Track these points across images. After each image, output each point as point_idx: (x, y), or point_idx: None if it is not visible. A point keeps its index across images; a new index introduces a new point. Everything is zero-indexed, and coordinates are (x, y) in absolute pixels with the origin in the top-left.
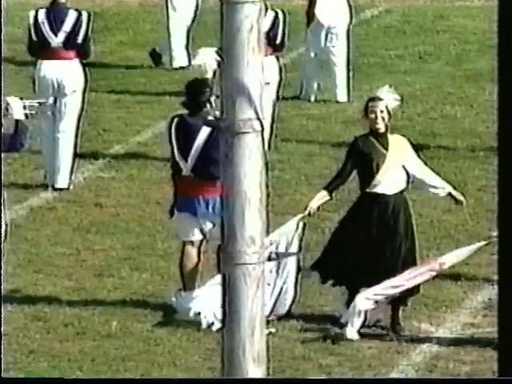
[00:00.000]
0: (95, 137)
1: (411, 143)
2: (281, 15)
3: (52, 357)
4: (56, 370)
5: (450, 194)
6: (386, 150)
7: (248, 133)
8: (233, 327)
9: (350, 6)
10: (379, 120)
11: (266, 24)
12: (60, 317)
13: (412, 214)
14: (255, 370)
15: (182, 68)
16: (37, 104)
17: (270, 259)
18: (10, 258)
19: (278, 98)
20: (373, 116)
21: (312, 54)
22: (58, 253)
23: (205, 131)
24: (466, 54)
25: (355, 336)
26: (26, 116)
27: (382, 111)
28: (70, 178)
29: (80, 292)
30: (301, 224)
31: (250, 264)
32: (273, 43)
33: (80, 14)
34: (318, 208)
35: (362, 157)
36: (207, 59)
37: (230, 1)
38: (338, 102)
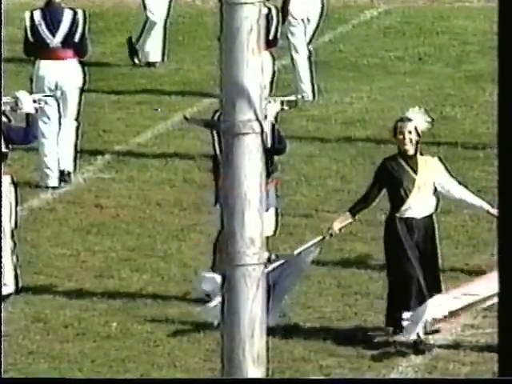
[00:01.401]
0: (95, 137)
1: (442, 163)
2: (274, 11)
3: (52, 358)
4: (56, 371)
5: (487, 211)
6: (416, 172)
7: (248, 134)
8: (233, 328)
9: (322, 2)
10: (407, 141)
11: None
12: (60, 318)
13: (437, 238)
14: (255, 371)
15: (153, 64)
16: (45, 98)
17: (269, 260)
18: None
19: (270, 94)
20: (401, 137)
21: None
22: (58, 254)
23: None
24: (466, 55)
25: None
26: (36, 110)
27: (410, 132)
28: (73, 176)
29: (80, 293)
30: (319, 246)
31: (250, 265)
32: (266, 39)
33: (75, 13)
34: (340, 230)
35: (391, 180)
36: None
37: (230, 2)
38: (303, 99)
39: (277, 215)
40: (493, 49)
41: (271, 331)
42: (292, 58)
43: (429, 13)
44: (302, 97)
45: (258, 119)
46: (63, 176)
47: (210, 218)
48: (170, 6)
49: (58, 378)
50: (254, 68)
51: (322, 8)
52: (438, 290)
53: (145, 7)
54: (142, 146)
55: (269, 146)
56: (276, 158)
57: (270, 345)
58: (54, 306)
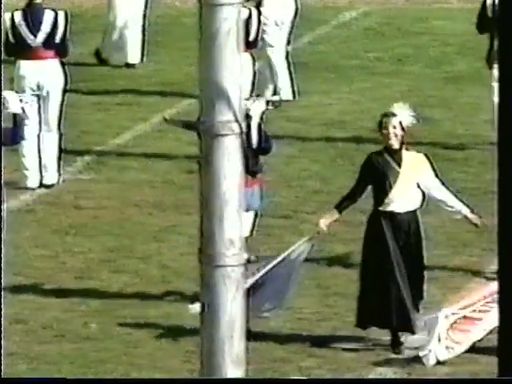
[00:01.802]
0: (74, 139)
1: (429, 160)
2: (254, 12)
3: (31, 359)
4: (35, 372)
5: (466, 216)
6: (400, 167)
7: (227, 135)
8: (212, 329)
9: (296, 4)
10: (392, 136)
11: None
12: (39, 319)
13: (422, 233)
14: (234, 372)
15: (132, 65)
16: (31, 97)
17: (249, 261)
18: None
19: (251, 94)
20: (386, 132)
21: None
22: (38, 255)
23: None
24: (446, 56)
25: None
26: (23, 110)
27: (394, 127)
28: (59, 175)
29: (59, 294)
30: (309, 244)
31: (230, 266)
32: (246, 40)
33: (57, 14)
34: (328, 226)
35: (376, 174)
36: None
37: (209, 3)
38: (284, 100)
39: (256, 216)
40: (472, 49)
41: (251, 332)
42: (269, 59)
43: (408, 14)
44: (281, 98)
45: (237, 120)
46: (46, 185)
47: (189, 219)
48: (146, 7)
49: (58, 378)
50: (233, 69)
51: (297, 9)
52: (421, 285)
53: (110, 9)
54: (122, 147)
55: (255, 145)
56: (261, 158)
57: (249, 346)
58: (34, 307)
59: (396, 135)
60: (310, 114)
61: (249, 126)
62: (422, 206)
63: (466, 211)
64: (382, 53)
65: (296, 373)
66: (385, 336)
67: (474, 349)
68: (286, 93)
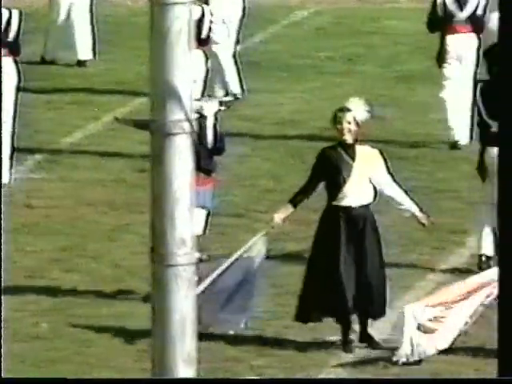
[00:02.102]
0: (26, 137)
1: (383, 156)
2: (207, 10)
3: None
4: None
5: (414, 214)
6: (354, 161)
7: (178, 134)
8: (163, 328)
9: (244, 2)
10: (346, 131)
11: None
12: None
13: (378, 228)
14: (186, 371)
15: (84, 62)
16: None
17: (201, 260)
18: None
19: (202, 94)
20: (340, 127)
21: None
22: None
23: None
24: (397, 56)
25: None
26: None
27: (349, 122)
28: (11, 174)
29: (10, 293)
30: (264, 239)
31: (181, 265)
32: (198, 37)
33: (11, 12)
34: (283, 221)
35: (329, 168)
36: None
37: (160, 2)
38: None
39: (208, 215)
40: (423, 49)
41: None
42: (216, 57)
43: (359, 13)
44: (235, 96)
45: (188, 119)
46: None
47: (141, 218)
48: (92, 2)
49: (58, 378)
50: (185, 68)
51: (244, 8)
52: (383, 279)
53: (51, 7)
54: (74, 146)
55: (210, 145)
56: (215, 157)
57: (200, 345)
58: None
59: (350, 130)
60: (262, 113)
61: (204, 126)
62: (374, 200)
63: (415, 209)
64: (333, 52)
65: (248, 372)
66: (336, 335)
67: (474, 349)
68: (234, 91)
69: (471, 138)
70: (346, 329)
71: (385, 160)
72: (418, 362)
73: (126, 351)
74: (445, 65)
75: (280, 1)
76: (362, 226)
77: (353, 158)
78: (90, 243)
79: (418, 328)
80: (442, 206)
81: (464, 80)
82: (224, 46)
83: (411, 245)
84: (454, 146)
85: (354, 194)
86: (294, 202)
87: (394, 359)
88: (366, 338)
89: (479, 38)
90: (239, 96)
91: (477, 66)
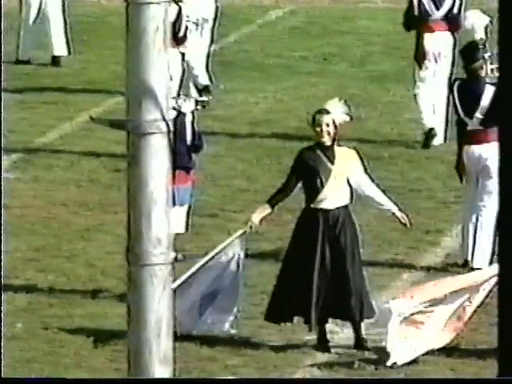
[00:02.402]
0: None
1: (360, 156)
2: (183, 9)
3: None
4: None
5: (393, 214)
6: (332, 163)
7: (154, 133)
8: (139, 328)
9: (216, 3)
10: (324, 133)
11: (170, 17)
12: None
13: (357, 228)
14: (161, 371)
15: (58, 60)
16: None
17: (176, 260)
18: None
19: (178, 94)
20: (318, 129)
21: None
22: None
23: None
24: (370, 56)
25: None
26: None
27: (327, 124)
28: None
29: None
30: (241, 239)
31: (157, 265)
32: (175, 36)
33: None
34: (260, 222)
35: (307, 170)
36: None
37: (136, 2)
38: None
39: (189, 212)
40: (396, 49)
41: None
42: (190, 57)
43: (333, 13)
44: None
45: (164, 119)
46: None
47: (116, 218)
48: (63, 1)
49: (57, 378)
50: (161, 68)
51: (217, 8)
52: (362, 280)
53: (22, 6)
54: (48, 146)
55: (189, 143)
56: (193, 155)
57: (176, 345)
58: None
59: (329, 133)
60: (236, 113)
61: (182, 124)
62: (351, 201)
63: (394, 209)
64: (307, 52)
65: (223, 371)
66: (311, 335)
67: (474, 349)
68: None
69: (445, 138)
70: (322, 329)
71: (362, 160)
72: (412, 362)
73: (101, 351)
74: (423, 64)
75: (254, 1)
76: (340, 228)
77: (331, 161)
78: (64, 243)
79: (404, 321)
80: (417, 206)
81: (440, 79)
82: (197, 46)
83: (386, 244)
84: (426, 144)
85: (332, 196)
86: (272, 202)
87: (388, 364)
88: (360, 344)
89: (454, 37)
90: (210, 97)
91: (453, 64)
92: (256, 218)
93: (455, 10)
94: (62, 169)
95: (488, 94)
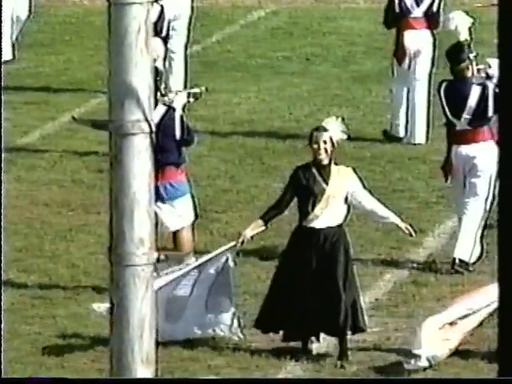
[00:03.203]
0: None
1: (356, 173)
2: (166, 8)
3: None
4: None
5: (397, 225)
6: (327, 183)
7: (137, 134)
8: (122, 329)
9: (192, 2)
10: (322, 151)
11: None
12: None
13: (350, 247)
14: (144, 371)
15: (6, 62)
16: None
17: (158, 261)
18: None
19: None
20: (315, 146)
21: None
22: None
23: (155, 117)
24: (353, 56)
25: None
26: None
27: (325, 142)
28: None
29: None
30: (231, 253)
31: (139, 265)
32: (158, 36)
33: None
34: (252, 237)
35: (302, 188)
36: (156, 48)
37: (118, 2)
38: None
39: (193, 200)
40: (379, 49)
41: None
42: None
43: (316, 13)
44: (206, 89)
45: (146, 119)
46: None
47: (98, 219)
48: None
49: (57, 378)
50: (143, 68)
51: (192, 8)
52: (355, 296)
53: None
54: (30, 146)
55: (178, 137)
56: (184, 149)
57: (158, 345)
58: None
59: (326, 150)
60: (219, 113)
61: (172, 118)
62: (345, 220)
63: (396, 221)
64: (289, 52)
65: (205, 372)
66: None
67: (474, 349)
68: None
69: (427, 138)
70: (306, 342)
71: (358, 176)
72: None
73: (83, 352)
74: (401, 60)
75: (237, 1)
76: (331, 247)
77: (326, 180)
78: (46, 243)
79: (438, 337)
80: (399, 206)
81: (419, 77)
82: (174, 45)
83: (369, 244)
84: (392, 138)
85: (324, 215)
86: (265, 218)
87: (409, 367)
88: (345, 356)
89: (434, 35)
90: (203, 88)
91: (432, 62)
92: (249, 233)
93: (434, 8)
94: (44, 169)
95: (475, 94)
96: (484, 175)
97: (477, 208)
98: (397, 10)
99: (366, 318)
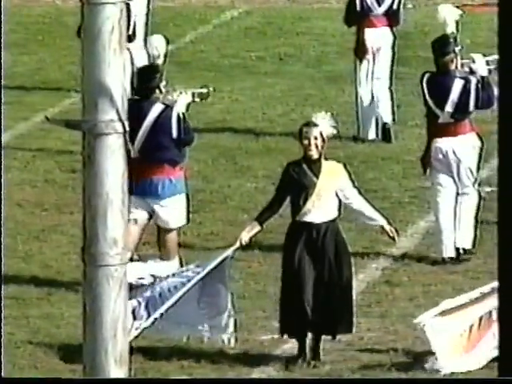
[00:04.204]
0: None
1: (347, 170)
2: (132, 6)
3: None
4: None
5: (382, 227)
6: (317, 177)
7: (110, 134)
8: (95, 329)
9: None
10: (312, 147)
11: None
12: None
13: (345, 241)
14: (117, 371)
15: None
16: None
17: (132, 260)
18: None
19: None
20: (306, 142)
21: None
22: None
23: (152, 115)
24: (326, 56)
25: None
26: None
27: (315, 138)
28: None
29: None
30: (230, 258)
31: (113, 265)
32: (126, 34)
33: None
34: (250, 240)
35: (294, 184)
36: (156, 46)
37: (91, 2)
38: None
39: (188, 201)
40: (351, 50)
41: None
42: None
43: (289, 14)
44: (214, 89)
45: (120, 119)
46: None
47: (71, 219)
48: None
49: (58, 378)
50: (116, 68)
51: (149, 3)
52: (350, 291)
53: None
54: (3, 147)
55: (175, 136)
56: (184, 148)
57: (132, 345)
58: None
59: (317, 146)
60: (192, 113)
61: (169, 118)
62: (339, 215)
63: (383, 222)
64: (263, 52)
65: (178, 372)
66: (267, 335)
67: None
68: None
69: (396, 136)
70: (302, 344)
71: (349, 173)
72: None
73: (57, 352)
74: (363, 58)
75: (210, 1)
76: (324, 242)
77: (316, 175)
78: (19, 244)
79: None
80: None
81: (380, 75)
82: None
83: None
84: (358, 138)
85: (317, 210)
86: (261, 219)
87: (430, 368)
88: (317, 356)
89: (394, 33)
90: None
91: (392, 60)
92: (246, 236)
93: (395, 6)
94: (17, 169)
95: (457, 87)
96: (466, 166)
97: (469, 196)
98: (358, 8)
99: (354, 318)
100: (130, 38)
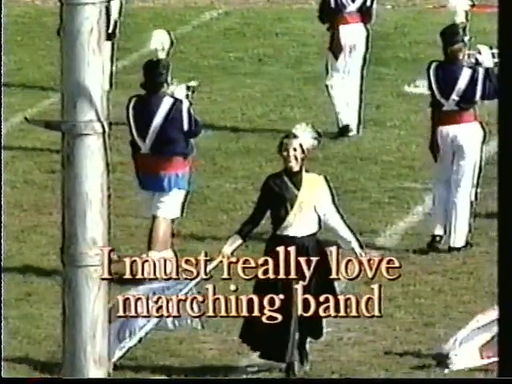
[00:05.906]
0: None
1: (328, 183)
2: (113, 4)
3: None
4: None
5: (353, 249)
6: (298, 190)
7: (89, 135)
8: (74, 329)
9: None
10: (292, 158)
11: None
12: None
13: (327, 256)
14: (96, 372)
15: None
16: None
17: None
18: None
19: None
20: (285, 154)
21: None
22: None
23: (163, 110)
24: (305, 57)
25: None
26: None
27: (295, 149)
28: None
29: None
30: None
31: (92, 266)
32: (106, 32)
33: None
34: (232, 253)
35: (274, 197)
36: (161, 41)
37: (70, 2)
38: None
39: (186, 198)
40: None
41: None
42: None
43: (268, 14)
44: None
45: (99, 120)
46: None
47: (50, 219)
48: None
49: (58, 378)
50: (95, 68)
51: (120, 12)
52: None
53: None
54: None
55: (186, 129)
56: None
57: (111, 345)
58: None
59: (296, 158)
60: None
61: (179, 110)
62: (320, 229)
63: (354, 244)
64: (242, 53)
65: (157, 372)
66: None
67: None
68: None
69: (358, 131)
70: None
71: (330, 188)
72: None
73: (35, 352)
74: (338, 55)
75: (189, 2)
76: (308, 256)
77: (297, 187)
78: None
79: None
80: (351, 207)
81: (352, 71)
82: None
83: None
84: (345, 131)
85: (297, 223)
86: (242, 233)
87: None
88: (306, 359)
89: (367, 29)
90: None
91: (364, 57)
92: (228, 249)
93: (368, 3)
94: None
95: (465, 76)
96: (469, 155)
97: (464, 188)
98: (332, 5)
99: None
100: (110, 38)
